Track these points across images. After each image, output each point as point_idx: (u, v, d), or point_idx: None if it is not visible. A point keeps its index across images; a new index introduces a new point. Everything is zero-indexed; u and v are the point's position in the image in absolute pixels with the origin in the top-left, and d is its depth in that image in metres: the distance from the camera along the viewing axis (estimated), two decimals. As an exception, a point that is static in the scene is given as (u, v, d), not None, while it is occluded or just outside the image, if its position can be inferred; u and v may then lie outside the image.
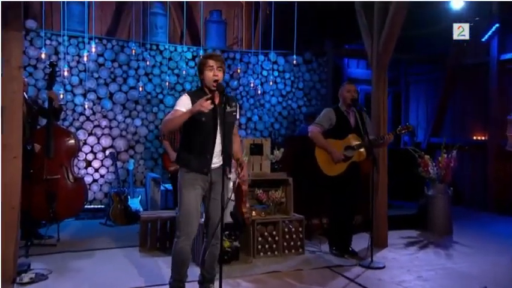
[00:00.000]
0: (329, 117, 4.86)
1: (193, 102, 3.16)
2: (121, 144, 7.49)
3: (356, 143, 4.76)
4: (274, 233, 4.86)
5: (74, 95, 7.21)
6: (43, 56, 6.58)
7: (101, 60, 7.41)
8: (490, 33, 8.09)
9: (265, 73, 8.51)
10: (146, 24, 7.81)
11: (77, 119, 7.24)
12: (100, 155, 7.36)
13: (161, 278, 4.00)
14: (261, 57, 8.47)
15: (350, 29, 7.86)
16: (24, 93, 4.68)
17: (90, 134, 7.32)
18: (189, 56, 8.00)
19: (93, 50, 6.84)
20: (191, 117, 3.09)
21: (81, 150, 7.06)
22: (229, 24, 8.84)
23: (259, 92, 8.27)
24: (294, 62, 7.93)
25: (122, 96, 7.53)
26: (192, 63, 7.96)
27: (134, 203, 6.67)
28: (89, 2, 7.13)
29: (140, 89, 7.46)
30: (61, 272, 4.21)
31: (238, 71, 8.19)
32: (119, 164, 7.29)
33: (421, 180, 6.48)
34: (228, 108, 3.25)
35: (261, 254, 4.78)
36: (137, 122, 7.61)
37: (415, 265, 4.71)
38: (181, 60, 7.93)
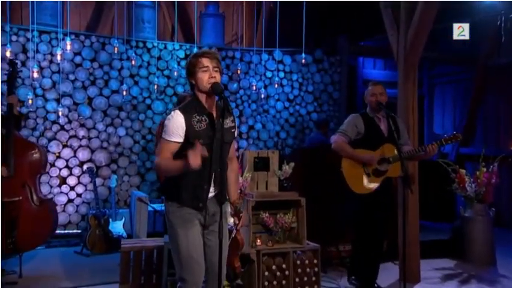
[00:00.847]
0: (355, 124, 4.70)
1: (187, 122, 2.94)
2: (101, 157, 7.39)
3: (391, 155, 4.57)
4: (283, 266, 4.61)
5: (46, 100, 7.08)
6: (8, 54, 6.39)
7: (78, 59, 7.30)
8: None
9: (269, 74, 8.49)
10: (131, 17, 7.70)
11: (50, 129, 7.09)
12: (76, 171, 7.22)
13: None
14: (265, 56, 8.44)
15: (365, 22, 8.08)
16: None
17: (65, 146, 7.19)
18: (181, 54, 7.92)
19: (68, 47, 6.66)
20: (185, 140, 2.95)
21: (53, 166, 6.98)
22: (227, 18, 8.85)
23: (262, 96, 8.20)
24: (303, 61, 7.79)
25: (103, 101, 7.42)
26: (184, 63, 7.89)
27: (117, 227, 6.46)
28: (64, -9, 7.15)
29: (124, 93, 7.30)
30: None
31: (239, 71, 8.12)
32: (99, 180, 7.21)
33: (452, 196, 6.48)
34: (227, 123, 3.08)
35: (268, 292, 4.58)
36: (121, 131, 7.50)
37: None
38: (172, 59, 7.86)
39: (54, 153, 7.00)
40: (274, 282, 4.54)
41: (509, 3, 7.39)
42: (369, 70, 10.08)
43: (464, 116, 9.50)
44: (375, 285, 4.75)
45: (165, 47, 7.82)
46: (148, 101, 7.63)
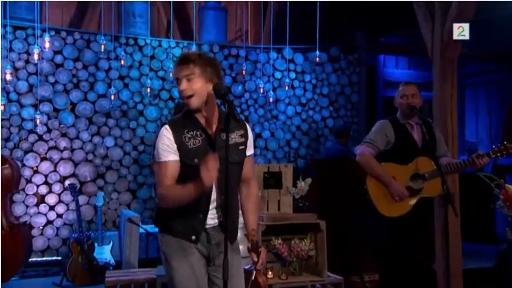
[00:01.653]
0: (384, 132, 4.53)
1: (177, 139, 2.83)
2: (86, 171, 7.35)
3: (427, 170, 4.37)
4: (300, 304, 4.56)
5: (22, 106, 7.05)
6: (-25, 53, 6.44)
7: (58, 59, 7.25)
8: None
9: (278, 75, 8.48)
10: (120, 11, 7.73)
11: (26, 139, 7.03)
12: (56, 187, 7.16)
13: None
14: (273, 55, 8.44)
15: (387, 15, 7.93)
16: None
17: (44, 158, 7.13)
18: (178, 53, 7.90)
19: (47, 45, 6.55)
20: (180, 159, 2.85)
21: (30, 182, 6.94)
22: (230, 11, 8.89)
23: (270, 99, 8.04)
24: (317, 59, 7.71)
25: (88, 107, 7.40)
26: (181, 63, 7.73)
27: (103, 253, 6.37)
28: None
29: (113, 97, 7.26)
30: None
31: (243, 72, 8.04)
32: (83, 198, 7.19)
33: (491, 215, 6.40)
34: (233, 138, 2.92)
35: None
36: (109, 141, 7.49)
37: None
38: (168, 58, 7.87)
39: (31, 168, 6.94)
40: (290, 324, 4.46)
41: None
42: (391, 69, 10.10)
43: (501, 122, 9.52)
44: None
45: (159, 45, 7.85)
46: (139, 107, 7.65)
